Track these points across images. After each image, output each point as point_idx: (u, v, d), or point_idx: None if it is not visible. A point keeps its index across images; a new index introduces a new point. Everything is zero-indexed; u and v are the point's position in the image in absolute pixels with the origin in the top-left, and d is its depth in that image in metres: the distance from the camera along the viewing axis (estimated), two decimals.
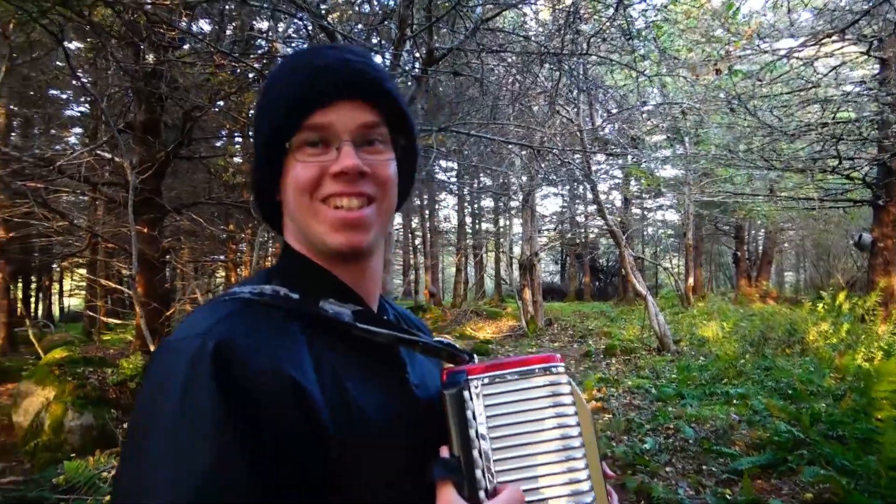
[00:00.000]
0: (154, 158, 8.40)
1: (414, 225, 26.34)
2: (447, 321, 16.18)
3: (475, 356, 0.88)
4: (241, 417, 0.61)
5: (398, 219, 28.84)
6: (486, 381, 0.75)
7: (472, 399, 0.74)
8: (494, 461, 0.72)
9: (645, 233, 30.20)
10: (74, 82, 8.43)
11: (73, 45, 11.88)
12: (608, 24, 6.44)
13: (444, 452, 0.72)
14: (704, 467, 4.76)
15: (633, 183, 23.77)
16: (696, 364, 8.64)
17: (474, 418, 0.73)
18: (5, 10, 7.85)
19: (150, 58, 7.81)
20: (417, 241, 26.41)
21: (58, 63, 11.26)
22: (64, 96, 16.28)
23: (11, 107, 13.41)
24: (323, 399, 0.68)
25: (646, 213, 27.81)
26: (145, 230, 8.19)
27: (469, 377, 0.75)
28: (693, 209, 18.12)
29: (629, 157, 16.16)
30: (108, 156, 8.86)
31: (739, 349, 8.76)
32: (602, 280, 31.80)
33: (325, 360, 0.72)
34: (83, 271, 15.17)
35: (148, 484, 0.58)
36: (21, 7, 4.69)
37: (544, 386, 0.75)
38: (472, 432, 0.72)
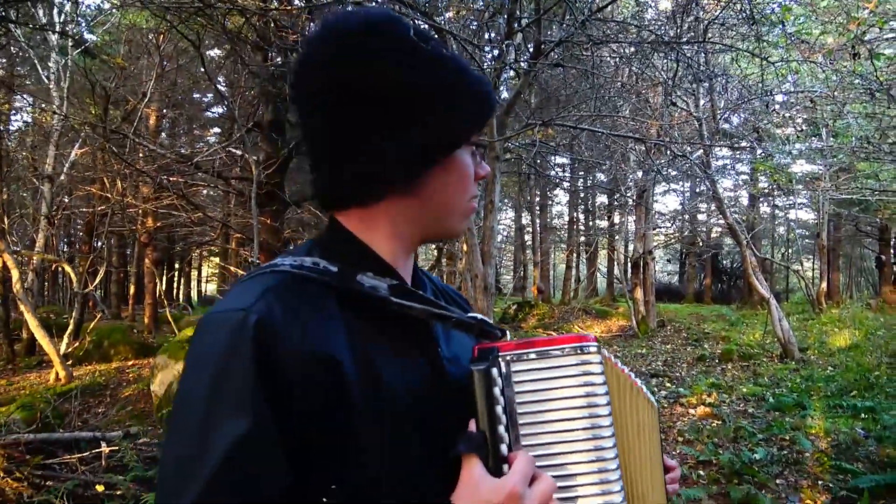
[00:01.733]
0: (278, 155, 8.97)
1: (525, 222, 26.18)
2: (555, 318, 15.97)
3: (507, 333, 0.88)
4: (276, 393, 0.64)
5: (510, 214, 28.86)
6: (516, 357, 0.75)
7: (500, 376, 0.74)
8: (521, 436, 0.72)
9: (775, 233, 28.12)
10: (213, 85, 9.18)
11: (214, 51, 12.98)
12: (728, 7, 6.09)
13: (472, 427, 0.73)
14: (820, 482, 4.40)
15: (762, 179, 22.20)
16: (822, 374, 7.98)
17: (502, 395, 0.73)
18: (157, 23, 8.72)
19: (277, 61, 8.36)
20: (528, 238, 26.22)
21: (202, 70, 12.33)
22: (206, 99, 17.75)
23: (163, 110, 14.76)
24: (355, 372, 0.70)
25: (776, 211, 25.88)
26: (268, 221, 8.77)
27: (499, 353, 0.75)
28: (828, 208, 16.63)
29: (758, 151, 15.13)
30: (239, 153, 9.59)
31: (874, 360, 7.96)
32: (725, 282, 29.97)
33: (359, 334, 0.73)
34: (216, 259, 16.39)
35: (184, 457, 0.62)
36: (163, 17, 5.18)
37: (575, 365, 0.74)
38: (499, 409, 0.72)
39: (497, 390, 0.73)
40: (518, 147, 9.11)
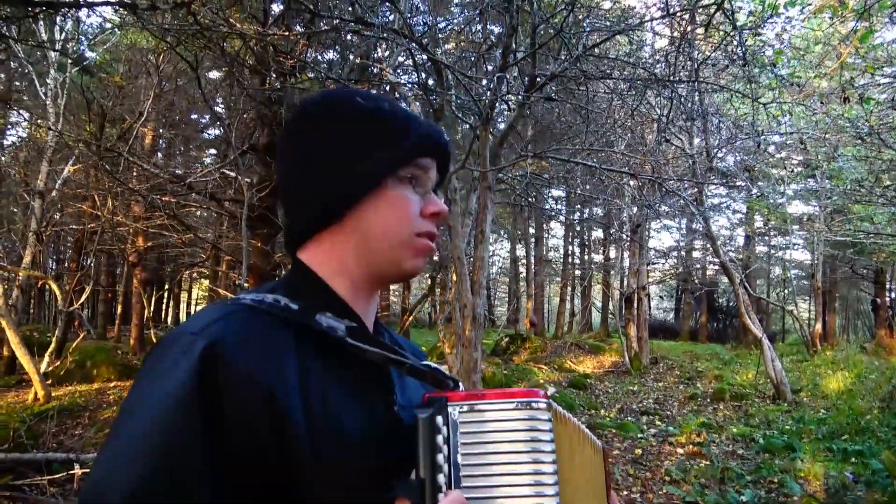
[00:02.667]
0: (272, 178, 9.03)
1: (520, 253, 26.26)
2: (547, 352, 15.90)
3: (460, 384, 0.90)
4: (211, 416, 0.66)
5: (505, 245, 28.94)
6: (465, 408, 0.75)
7: (445, 424, 0.74)
8: (463, 488, 0.72)
9: (771, 273, 28.24)
10: (208, 106, 9.29)
11: (212, 73, 13.15)
12: (721, 49, 6.23)
13: (413, 475, 0.73)
14: None
15: (757, 218, 22.40)
16: (814, 416, 7.95)
17: (446, 443, 0.73)
18: (156, 44, 8.86)
19: (275, 85, 8.48)
20: (522, 270, 26.27)
21: (199, 91, 12.47)
22: (202, 121, 17.91)
23: (159, 129, 14.87)
24: (303, 408, 0.71)
25: (772, 251, 26.03)
26: (259, 244, 8.79)
27: (447, 402, 0.75)
28: (823, 249, 16.75)
29: (753, 190, 15.29)
30: (233, 175, 9.64)
31: (866, 404, 7.95)
32: (721, 321, 29.97)
33: (313, 371, 0.75)
34: (206, 282, 16.29)
35: (115, 461, 0.64)
36: (162, 38, 5.27)
37: (523, 420, 0.73)
38: (441, 457, 0.73)
39: (440, 438, 0.73)
40: (511, 178, 9.20)
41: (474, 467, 0.72)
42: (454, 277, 6.78)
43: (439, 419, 0.74)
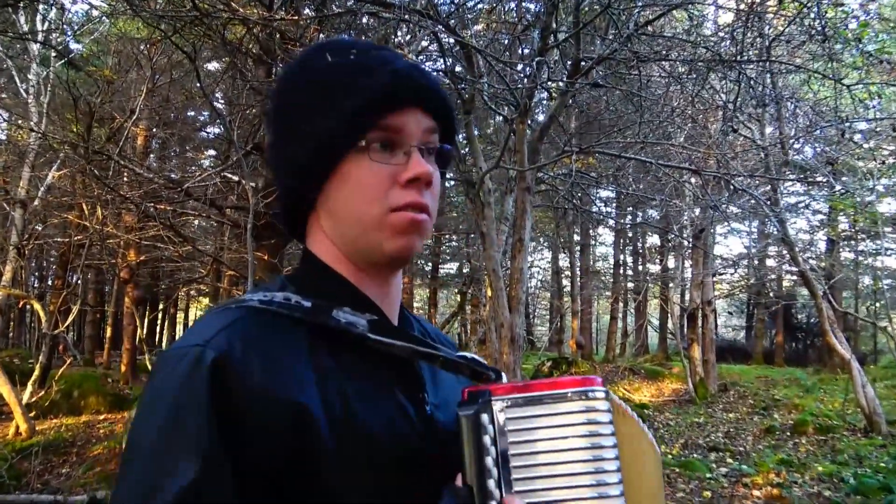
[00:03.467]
0: None
1: (563, 264, 26.14)
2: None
3: (503, 375, 0.91)
4: (232, 437, 0.68)
5: (546, 255, 28.83)
6: (510, 402, 0.75)
7: (491, 423, 0.74)
8: (515, 492, 0.72)
9: (859, 284, 27.65)
10: (208, 102, 9.46)
11: (212, 65, 13.41)
12: (796, 23, 6.16)
13: (459, 480, 0.74)
14: None
15: (842, 220, 21.97)
16: None
17: (493, 444, 0.73)
18: (149, 33, 9.07)
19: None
20: (566, 283, 26.13)
21: (197, 85, 12.71)
22: (201, 118, 18.24)
23: (153, 129, 15.16)
24: (325, 416, 0.73)
25: (860, 258, 25.50)
26: (265, 257, 8.90)
27: (491, 398, 0.76)
28: None
29: (836, 186, 15.01)
30: (236, 179, 9.79)
31: None
32: (800, 340, 29.41)
33: (332, 374, 0.76)
34: (206, 300, 16.45)
35: (133, 502, 0.66)
36: (156, 26, 5.40)
37: (579, 412, 0.74)
38: (489, 460, 0.73)
39: (487, 439, 0.74)
40: (553, 178, 9.19)
41: (527, 468, 0.73)
42: (488, 293, 6.79)
43: (484, 417, 0.74)
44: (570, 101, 7.16)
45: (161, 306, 24.21)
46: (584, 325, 22.49)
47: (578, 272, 23.25)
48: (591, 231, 23.38)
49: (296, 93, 0.86)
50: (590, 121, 8.62)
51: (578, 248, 23.45)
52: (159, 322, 27.37)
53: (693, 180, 10.35)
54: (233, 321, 0.75)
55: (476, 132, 7.48)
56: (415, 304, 28.15)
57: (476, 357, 0.90)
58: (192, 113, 17.58)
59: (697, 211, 13.53)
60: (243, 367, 0.70)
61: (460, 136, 7.48)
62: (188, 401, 0.68)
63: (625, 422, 0.82)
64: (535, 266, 27.19)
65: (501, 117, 8.05)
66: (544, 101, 9.21)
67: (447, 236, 21.89)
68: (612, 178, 11.17)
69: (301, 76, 0.87)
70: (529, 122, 6.52)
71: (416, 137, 0.82)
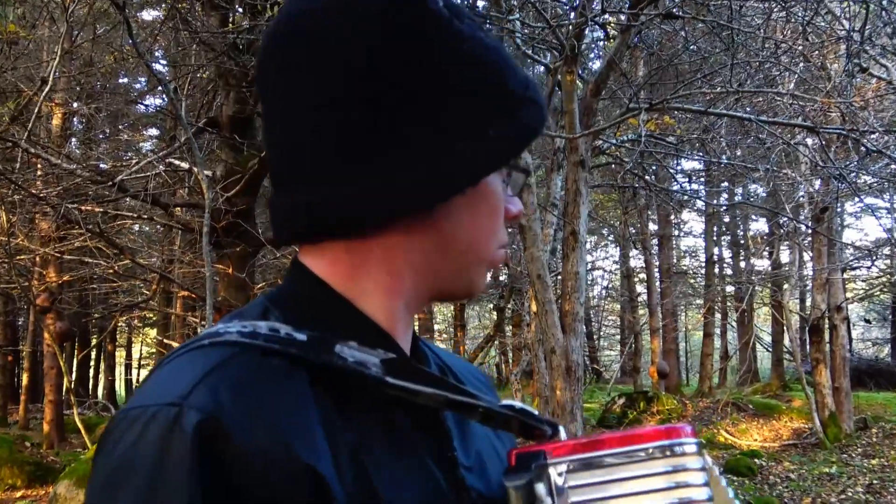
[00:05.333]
0: (244, 168, 9.15)
1: (635, 264, 26.02)
2: (687, 416, 15.69)
3: (561, 429, 0.90)
4: None
5: (611, 252, 28.67)
6: (572, 467, 0.76)
7: (549, 495, 0.75)
8: None
9: None
10: (144, 63, 9.51)
11: (148, 13, 13.55)
12: None
13: None
14: None
15: None
16: None
17: None
18: None
19: (243, 24, 8.63)
20: (641, 290, 25.98)
21: (129, 41, 12.80)
22: (137, 86, 18.42)
23: (73, 103, 15.23)
24: (341, 490, 0.72)
25: None
26: (230, 270, 8.94)
27: (548, 461, 0.77)
28: None
29: None
30: (185, 166, 9.83)
31: None
32: None
33: (343, 433, 0.76)
34: (154, 332, 16.55)
35: None
36: None
37: (664, 473, 0.75)
38: None
39: None
40: (616, 146, 9.14)
41: None
42: (533, 307, 6.78)
43: (540, 488, 0.75)
44: (636, 39, 7.13)
45: (94, 341, 24.43)
46: (667, 345, 22.39)
47: (657, 274, 23.15)
48: (672, 217, 23.26)
49: (450, 45, 0.84)
50: (663, 66, 8.55)
51: (656, 241, 23.35)
52: (93, 363, 27.64)
53: (809, 141, 10.25)
54: (214, 366, 0.73)
55: None
56: (436, 327, 28.18)
57: (526, 407, 0.90)
58: (126, 80, 17.76)
59: (817, 183, 13.39)
60: (238, 428, 0.68)
61: None
62: (166, 482, 0.66)
63: (718, 490, 0.82)
64: (598, 268, 27.12)
65: (542, 66, 8.02)
66: (600, 42, 9.17)
67: None
68: (698, 143, 11.09)
69: (453, 28, 0.84)
70: (580, 71, 6.50)
71: None
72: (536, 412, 0.91)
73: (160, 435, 0.67)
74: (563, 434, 0.89)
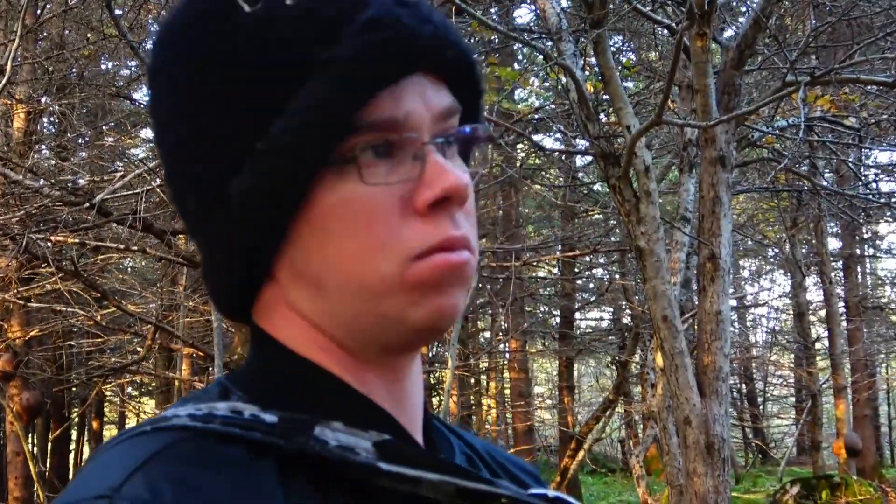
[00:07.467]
0: None
1: (812, 297, 25.64)
2: None
3: None
4: None
5: (778, 278, 28.10)
6: None
7: None
8: None
9: None
10: (127, 44, 9.70)
11: None
12: None
13: None
14: None
15: None
16: None
17: None
18: None
19: None
20: (819, 332, 25.56)
21: (107, 16, 13.02)
22: (124, 74, 18.67)
23: (40, 98, 15.42)
24: None
25: None
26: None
27: None
28: None
29: None
30: None
31: None
32: None
33: None
34: (152, 402, 16.72)
35: None
36: None
37: None
38: None
39: None
40: (773, 134, 9.05)
41: None
42: (658, 360, 6.75)
43: None
44: None
45: (73, 416, 24.77)
46: (859, 410, 22.02)
47: (842, 310, 22.76)
48: (858, 231, 22.89)
49: (201, 75, 0.88)
50: (833, 24, 8.45)
51: (840, 265, 22.97)
52: (74, 444, 28.04)
53: None
54: (152, 455, 0.77)
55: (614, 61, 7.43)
56: (536, 389, 28.06)
57: (562, 496, 0.93)
58: (107, 66, 17.99)
59: None
60: None
61: (583, 69, 7.43)
62: None
63: None
64: (758, 304, 26.80)
65: (664, 29, 8.01)
66: None
67: (584, 259, 21.62)
68: (893, 126, 10.94)
69: (204, 43, 0.88)
70: (714, 34, 6.47)
71: (426, 128, 0.87)
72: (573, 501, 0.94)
73: None
74: None
